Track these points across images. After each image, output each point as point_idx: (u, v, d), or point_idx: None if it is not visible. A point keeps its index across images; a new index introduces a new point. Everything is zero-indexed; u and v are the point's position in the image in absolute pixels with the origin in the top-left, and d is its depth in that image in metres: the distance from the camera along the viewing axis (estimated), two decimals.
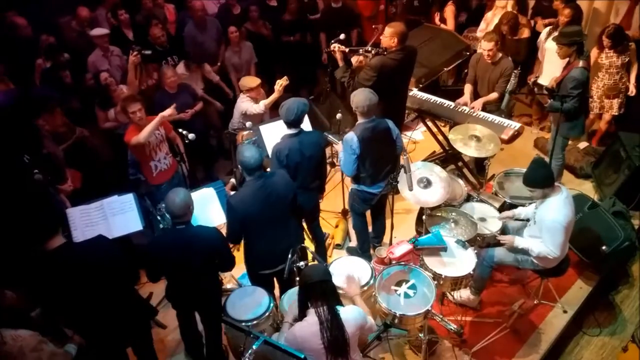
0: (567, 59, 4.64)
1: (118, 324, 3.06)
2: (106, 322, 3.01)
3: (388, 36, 4.28)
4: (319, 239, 4.31)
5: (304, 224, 4.26)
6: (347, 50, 4.50)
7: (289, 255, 3.26)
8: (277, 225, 3.42)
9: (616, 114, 5.52)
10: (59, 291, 2.84)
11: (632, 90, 5.38)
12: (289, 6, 6.51)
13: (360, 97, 3.76)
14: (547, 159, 4.61)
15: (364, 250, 4.41)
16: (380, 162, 3.94)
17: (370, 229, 4.46)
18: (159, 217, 3.99)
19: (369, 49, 4.38)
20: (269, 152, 4.30)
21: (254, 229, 3.41)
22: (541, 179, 3.47)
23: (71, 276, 2.82)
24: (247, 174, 3.33)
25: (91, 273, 2.87)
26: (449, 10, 6.41)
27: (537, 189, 3.49)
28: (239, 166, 3.40)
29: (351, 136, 3.79)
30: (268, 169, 4.22)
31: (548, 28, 5.61)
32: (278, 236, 3.43)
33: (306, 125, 4.39)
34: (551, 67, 5.41)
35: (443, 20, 6.52)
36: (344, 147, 3.87)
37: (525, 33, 5.82)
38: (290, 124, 3.72)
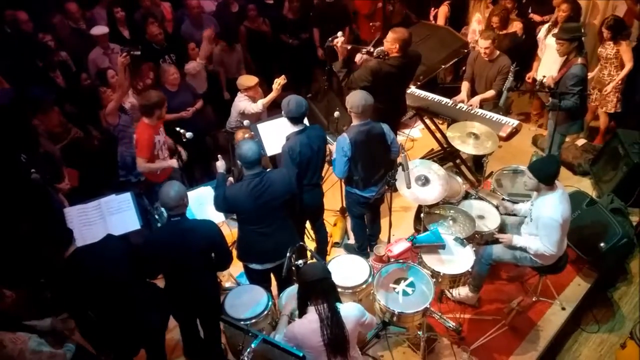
0: (566, 56, 4.63)
1: (137, 321, 3.08)
2: (125, 321, 3.04)
3: (390, 41, 4.24)
4: (322, 238, 4.31)
5: (308, 223, 4.27)
6: (349, 47, 4.47)
7: (287, 254, 3.26)
8: (270, 223, 3.42)
9: (610, 111, 5.48)
10: (79, 295, 2.89)
11: (607, 89, 5.31)
12: (291, 4, 6.50)
13: (356, 98, 3.76)
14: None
15: (361, 249, 4.42)
16: (372, 166, 3.93)
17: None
18: (156, 216, 3.98)
19: (371, 49, 4.34)
20: (267, 150, 4.30)
21: (246, 222, 3.43)
22: (545, 173, 3.44)
23: (87, 279, 2.86)
24: (246, 168, 3.34)
25: (105, 272, 2.90)
26: (442, 11, 6.40)
27: (535, 180, 3.46)
28: (238, 161, 3.40)
29: (344, 138, 3.79)
30: (268, 169, 4.22)
31: (547, 25, 5.60)
32: (270, 234, 3.43)
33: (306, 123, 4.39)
34: (551, 64, 5.40)
35: (435, 19, 6.50)
36: (336, 149, 3.86)
37: (515, 27, 5.79)
38: (298, 118, 3.70)
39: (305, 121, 4.14)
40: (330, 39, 4.44)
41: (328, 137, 4.21)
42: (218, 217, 3.76)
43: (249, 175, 3.34)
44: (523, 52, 5.77)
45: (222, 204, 3.41)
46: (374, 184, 3.98)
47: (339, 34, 4.65)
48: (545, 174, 3.45)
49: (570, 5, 5.25)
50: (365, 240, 4.44)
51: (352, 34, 6.81)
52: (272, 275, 3.74)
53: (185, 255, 3.11)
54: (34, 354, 2.88)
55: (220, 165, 3.59)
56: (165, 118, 5.03)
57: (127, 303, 3.01)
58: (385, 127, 3.92)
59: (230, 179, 3.61)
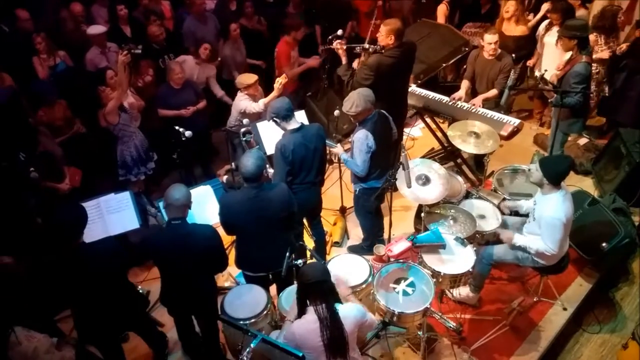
0: (570, 53, 4.62)
1: (118, 311, 3.14)
2: (108, 310, 3.08)
3: (384, 34, 4.21)
4: (320, 237, 4.28)
5: (305, 221, 4.24)
6: (345, 46, 4.45)
7: (287, 254, 3.23)
8: (263, 237, 3.37)
9: (606, 95, 5.56)
10: (75, 286, 2.92)
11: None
12: (294, 0, 6.49)
13: (353, 97, 3.79)
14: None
15: (371, 248, 4.37)
16: (385, 151, 3.98)
17: None
18: (156, 214, 3.96)
19: (366, 46, 4.33)
20: (267, 149, 4.28)
21: (239, 232, 3.43)
22: (554, 171, 3.40)
23: (87, 272, 2.90)
24: (244, 180, 3.30)
25: (102, 269, 2.94)
26: (441, 10, 6.36)
27: (540, 174, 3.42)
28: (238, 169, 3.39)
29: (365, 134, 3.78)
30: (270, 170, 4.20)
31: (546, 22, 5.59)
32: (262, 246, 3.39)
33: (303, 122, 4.36)
34: (550, 61, 5.38)
35: (434, 18, 6.47)
36: (359, 147, 3.83)
37: (521, 31, 5.77)
38: (288, 113, 3.65)
39: (305, 120, 4.13)
40: (330, 37, 4.42)
41: (328, 142, 4.16)
42: (216, 218, 3.75)
43: (246, 186, 3.29)
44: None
45: (219, 212, 3.37)
46: (386, 170, 3.97)
47: (339, 32, 4.63)
48: (553, 171, 3.40)
49: (559, 14, 5.25)
50: (374, 238, 4.42)
51: (353, 30, 6.78)
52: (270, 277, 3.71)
53: (183, 259, 3.10)
54: (48, 354, 2.90)
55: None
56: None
57: (106, 298, 3.05)
58: (383, 111, 3.97)
59: (227, 166, 3.57)
